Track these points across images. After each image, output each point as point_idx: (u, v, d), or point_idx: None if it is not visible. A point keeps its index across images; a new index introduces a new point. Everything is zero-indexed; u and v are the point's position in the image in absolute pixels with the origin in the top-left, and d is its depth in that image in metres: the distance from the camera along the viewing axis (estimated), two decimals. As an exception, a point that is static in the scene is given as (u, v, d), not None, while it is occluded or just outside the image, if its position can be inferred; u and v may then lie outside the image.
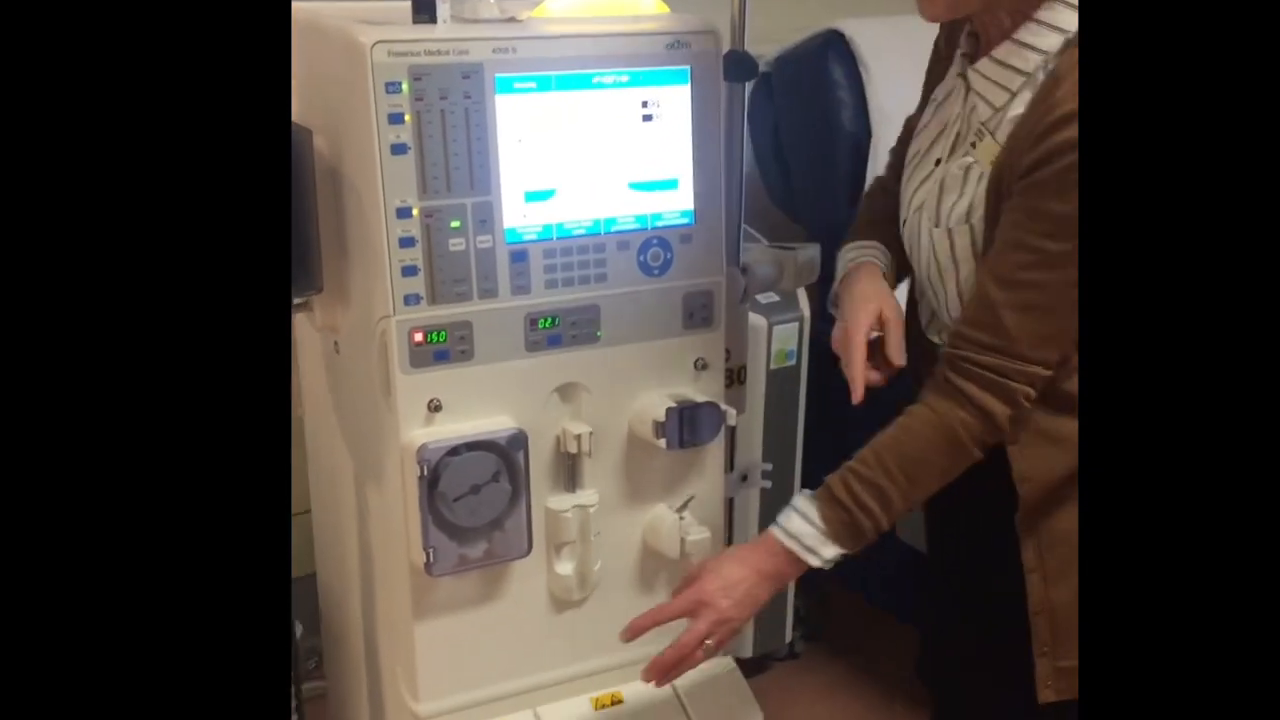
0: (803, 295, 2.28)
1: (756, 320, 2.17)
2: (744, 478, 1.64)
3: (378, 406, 1.33)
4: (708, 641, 1.25)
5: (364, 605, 1.51)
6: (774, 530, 1.24)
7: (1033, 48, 1.15)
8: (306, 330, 1.51)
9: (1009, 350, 1.16)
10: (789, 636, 2.51)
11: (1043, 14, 1.15)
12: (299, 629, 2.05)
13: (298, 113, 1.40)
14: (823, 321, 2.13)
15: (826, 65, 2.49)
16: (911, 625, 2.27)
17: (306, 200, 1.28)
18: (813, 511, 1.22)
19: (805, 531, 1.23)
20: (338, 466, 1.51)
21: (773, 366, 2.29)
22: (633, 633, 1.26)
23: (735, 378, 1.58)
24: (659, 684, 1.27)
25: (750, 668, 2.47)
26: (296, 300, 1.38)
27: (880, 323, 1.28)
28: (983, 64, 1.19)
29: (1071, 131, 1.08)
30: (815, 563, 1.22)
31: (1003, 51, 1.17)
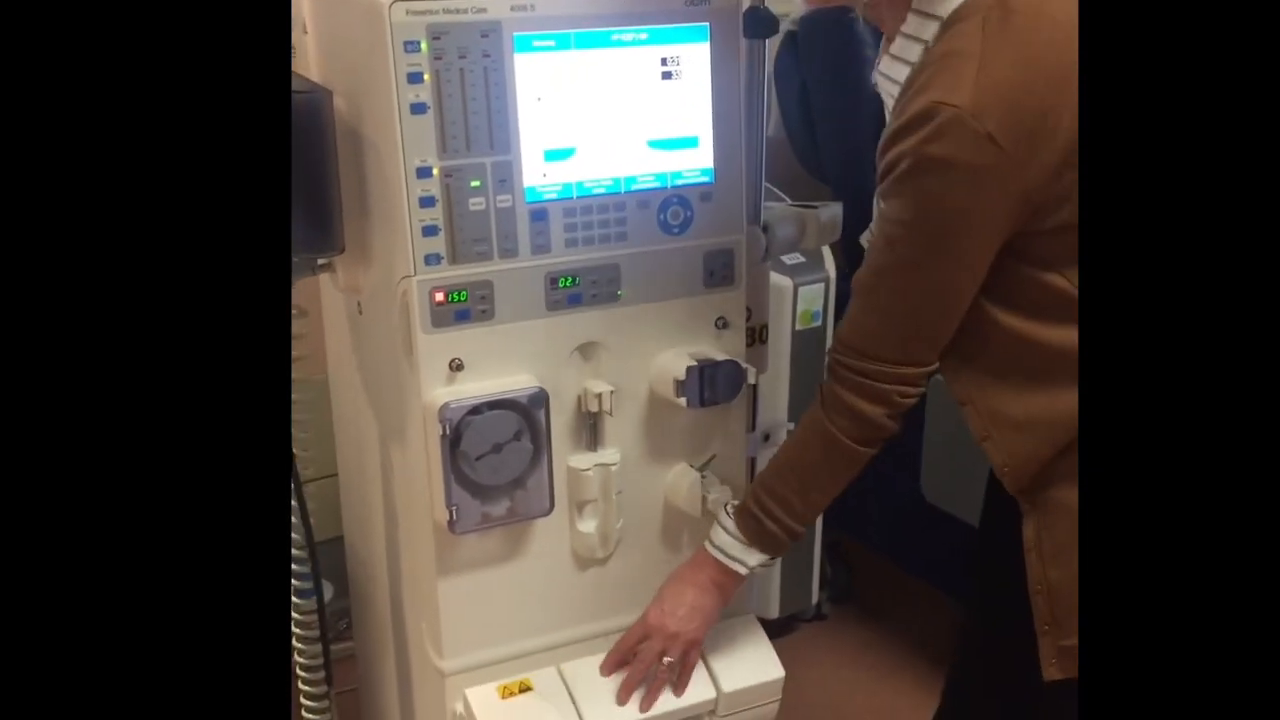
0: (828, 255, 2.27)
1: (781, 280, 2.18)
2: (766, 437, 1.64)
3: (400, 367, 1.34)
4: (667, 659, 1.38)
5: (389, 565, 1.53)
6: (704, 544, 1.36)
7: (917, 39, 1.13)
8: (330, 292, 1.52)
9: (872, 353, 1.21)
10: (815, 598, 2.52)
11: (921, 2, 1.13)
12: (330, 591, 2.08)
13: (318, 74, 1.40)
14: (846, 282, 2.13)
15: (853, 23, 2.47)
16: (952, 597, 2.28)
17: (327, 161, 1.29)
18: (730, 523, 1.34)
19: (728, 542, 1.34)
20: (362, 428, 1.52)
21: (798, 327, 2.30)
22: (609, 669, 1.42)
23: (757, 336, 1.58)
24: (641, 706, 1.41)
25: (777, 628, 2.49)
26: (319, 261, 1.39)
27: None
28: (884, 62, 1.18)
29: (910, 141, 1.09)
30: (742, 570, 1.33)
31: (896, 46, 1.16)
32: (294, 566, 1.51)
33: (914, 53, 1.15)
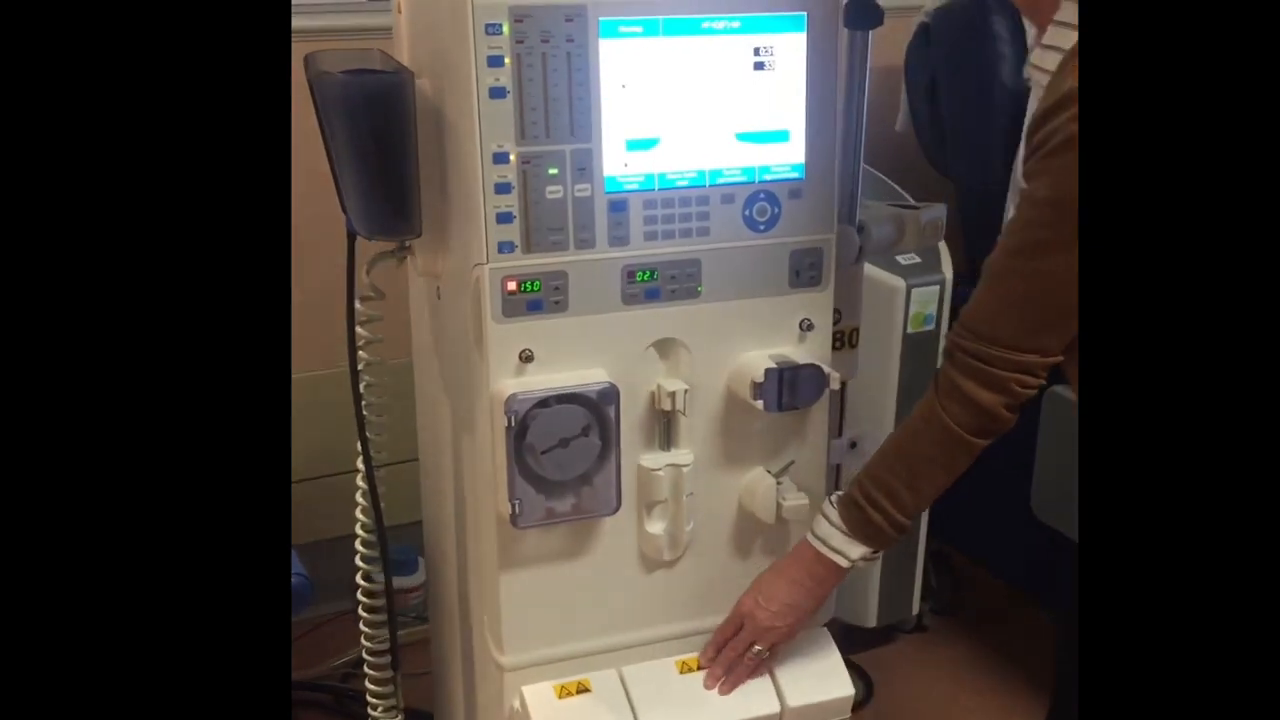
0: (945, 256, 2.19)
1: (894, 281, 2.10)
2: (853, 444, 1.58)
3: (472, 355, 1.32)
4: (756, 647, 1.34)
5: (458, 555, 1.51)
6: (806, 535, 1.31)
7: (1072, 25, 1.07)
8: (415, 275, 1.51)
9: (995, 337, 1.15)
10: (916, 608, 2.44)
11: None
12: (421, 570, 2.08)
13: (408, 55, 1.39)
14: (964, 285, 2.05)
15: (988, 16, 2.38)
16: (1058, 615, 2.19)
17: (406, 144, 1.27)
18: (834, 514, 1.29)
19: (829, 532, 1.29)
20: (439, 414, 1.51)
21: (910, 330, 2.22)
22: (706, 659, 1.40)
23: (846, 340, 1.52)
24: (721, 690, 1.39)
25: (874, 638, 2.42)
26: (400, 245, 1.37)
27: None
28: (1036, 53, 1.13)
29: (1061, 119, 1.03)
30: (844, 563, 1.28)
31: (1050, 35, 1.11)
32: (363, 550, 1.51)
33: (1069, 40, 1.10)
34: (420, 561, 2.12)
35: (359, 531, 1.50)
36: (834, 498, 1.30)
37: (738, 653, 1.37)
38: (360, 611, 1.54)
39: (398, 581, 1.93)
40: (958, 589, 2.58)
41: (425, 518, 1.70)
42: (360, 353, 1.42)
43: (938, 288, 2.19)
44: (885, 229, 1.52)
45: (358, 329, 1.41)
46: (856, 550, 1.28)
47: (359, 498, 1.49)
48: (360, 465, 1.45)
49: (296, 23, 1.68)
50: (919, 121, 2.56)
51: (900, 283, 2.12)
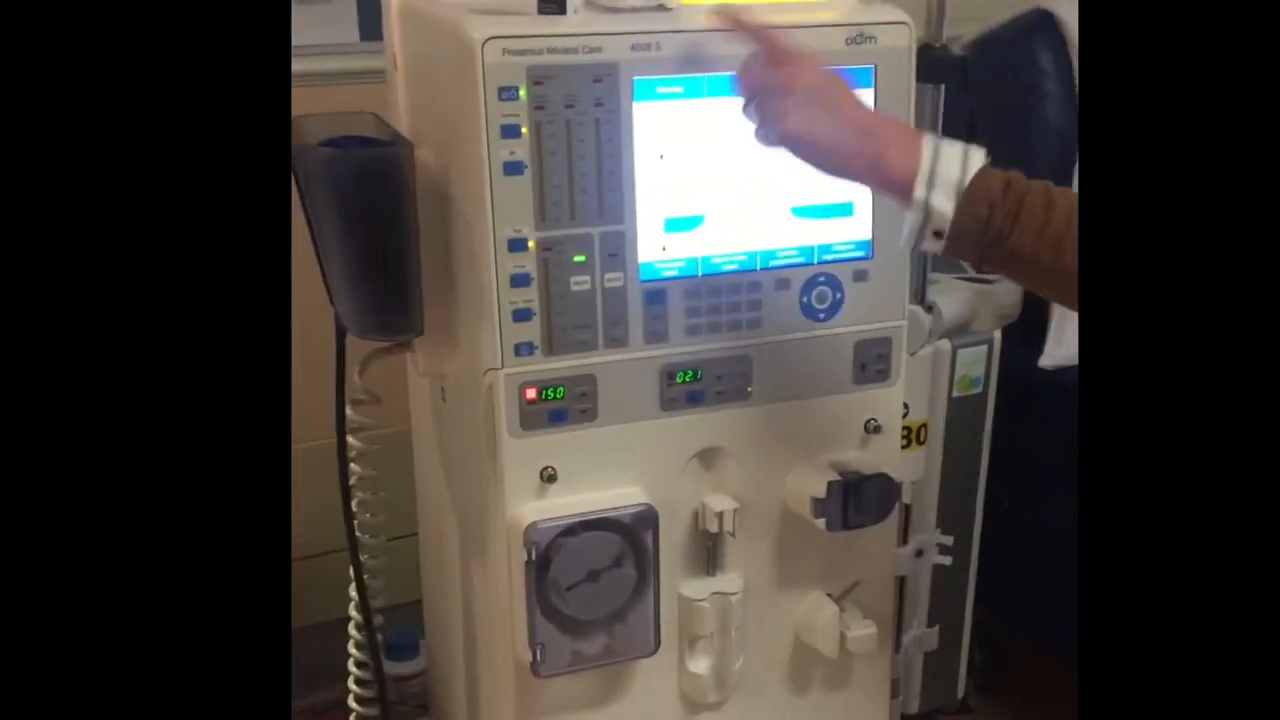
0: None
1: (939, 342, 1.91)
2: (919, 553, 1.38)
3: (484, 471, 1.12)
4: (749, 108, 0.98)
5: (468, 698, 1.31)
6: (925, 132, 0.98)
7: None
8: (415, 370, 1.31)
9: None
10: (961, 691, 2.25)
11: None
12: (423, 655, 1.87)
13: (406, 119, 1.20)
14: (1012, 342, 1.85)
15: (1032, 50, 2.18)
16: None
17: (404, 227, 1.08)
18: (977, 160, 0.95)
19: (950, 159, 0.94)
20: (444, 530, 1.31)
21: (955, 394, 2.02)
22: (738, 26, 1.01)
23: (914, 437, 1.32)
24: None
25: (915, 723, 2.22)
26: (392, 342, 1.17)
27: None
28: None
29: None
30: (920, 193, 0.93)
31: None
32: (354, 635, 1.30)
33: None
34: (422, 645, 1.94)
35: (352, 613, 1.29)
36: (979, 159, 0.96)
37: (752, 76, 0.99)
38: (350, 702, 1.33)
39: (396, 668, 1.74)
40: (1004, 665, 2.38)
41: (426, 599, 1.50)
42: (350, 439, 1.22)
43: (985, 348, 1.99)
44: (959, 308, 1.33)
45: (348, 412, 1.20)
46: (941, 200, 0.93)
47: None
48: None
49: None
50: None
51: (946, 344, 1.93)
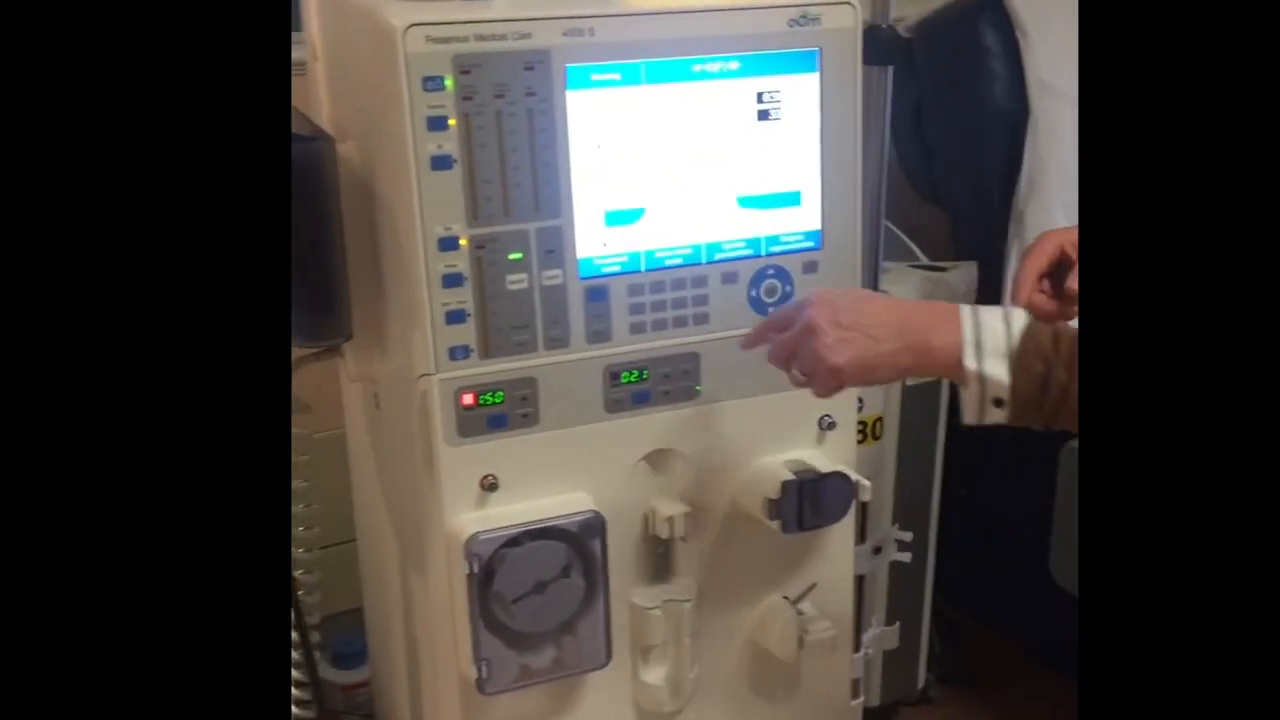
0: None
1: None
2: (878, 550, 1.35)
3: (421, 481, 1.06)
4: (795, 371, 0.98)
5: (412, 711, 1.26)
6: (958, 305, 0.94)
7: None
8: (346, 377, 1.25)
9: None
10: (921, 682, 2.22)
11: None
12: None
13: (328, 113, 1.14)
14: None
15: (978, 30, 2.15)
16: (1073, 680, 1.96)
17: (327, 224, 1.02)
18: (1020, 320, 0.90)
19: (993, 326, 0.90)
20: (383, 542, 1.25)
21: (909, 384, 1.99)
22: (748, 346, 1.05)
23: (869, 432, 1.28)
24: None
25: (875, 716, 2.19)
26: (319, 348, 1.12)
27: (1063, 254, 1.01)
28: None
29: None
30: (970, 364, 0.89)
31: None
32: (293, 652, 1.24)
33: None
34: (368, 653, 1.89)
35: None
36: (1022, 319, 0.91)
37: (780, 353, 0.99)
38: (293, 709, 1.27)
39: (342, 676, 1.69)
40: (964, 654, 2.36)
41: (366, 608, 1.45)
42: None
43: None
44: (911, 296, 1.28)
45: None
46: (995, 368, 0.88)
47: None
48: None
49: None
50: (902, 149, 2.34)
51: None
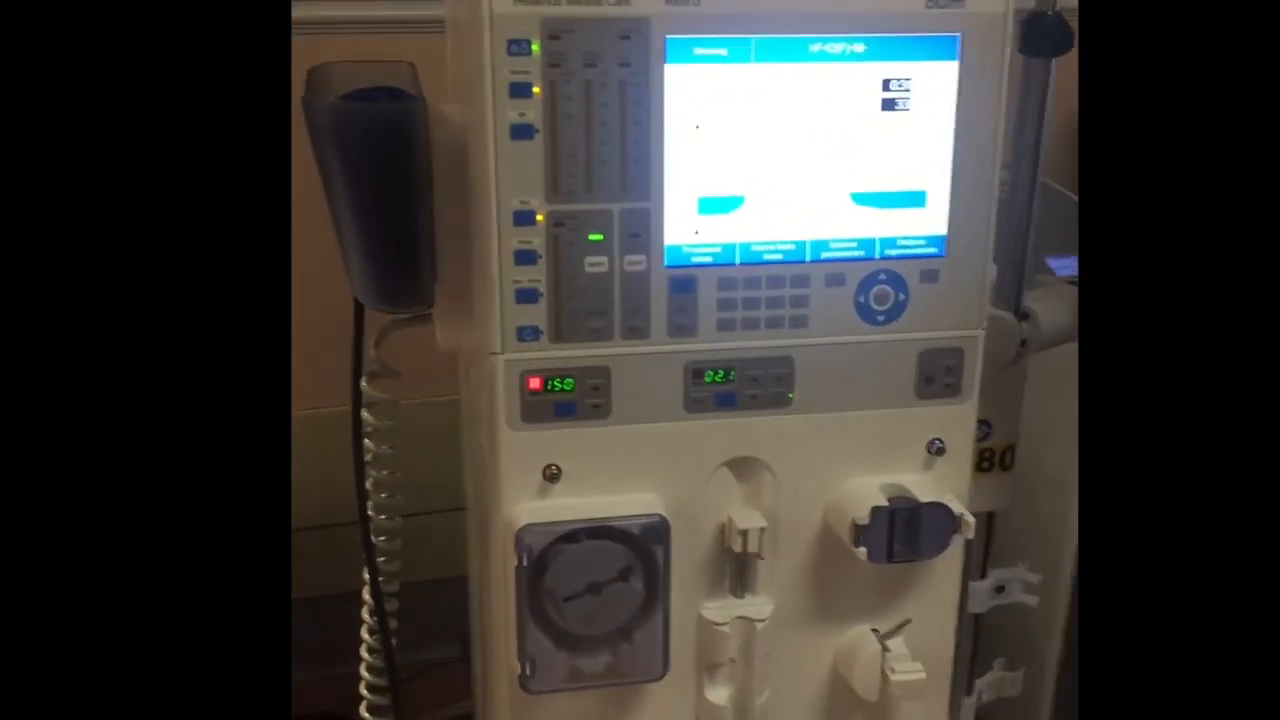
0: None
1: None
2: (1000, 589, 1.23)
3: (487, 463, 1.02)
4: None
5: (481, 695, 1.22)
6: None
7: None
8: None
9: None
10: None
11: None
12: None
13: (451, 75, 1.10)
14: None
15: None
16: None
17: (413, 188, 0.98)
18: None
19: None
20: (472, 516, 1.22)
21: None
22: None
23: (997, 461, 1.17)
24: None
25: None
26: (406, 314, 1.09)
27: None
28: None
29: None
30: None
31: None
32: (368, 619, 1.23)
33: None
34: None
35: (365, 598, 1.22)
36: None
37: None
38: (362, 671, 1.26)
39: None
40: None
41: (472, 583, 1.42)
42: (366, 415, 1.14)
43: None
44: (1060, 315, 1.16)
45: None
46: None
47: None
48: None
49: (300, 12, 1.31)
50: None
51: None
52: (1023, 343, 1.13)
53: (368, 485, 1.17)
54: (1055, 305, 1.15)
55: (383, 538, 1.19)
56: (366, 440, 1.15)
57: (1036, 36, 1.04)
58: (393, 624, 1.24)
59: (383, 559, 1.19)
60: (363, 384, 1.12)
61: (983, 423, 1.13)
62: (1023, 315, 1.13)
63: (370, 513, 1.17)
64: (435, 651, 1.88)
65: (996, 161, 1.00)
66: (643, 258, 0.96)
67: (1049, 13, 1.04)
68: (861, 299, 1.01)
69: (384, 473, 1.17)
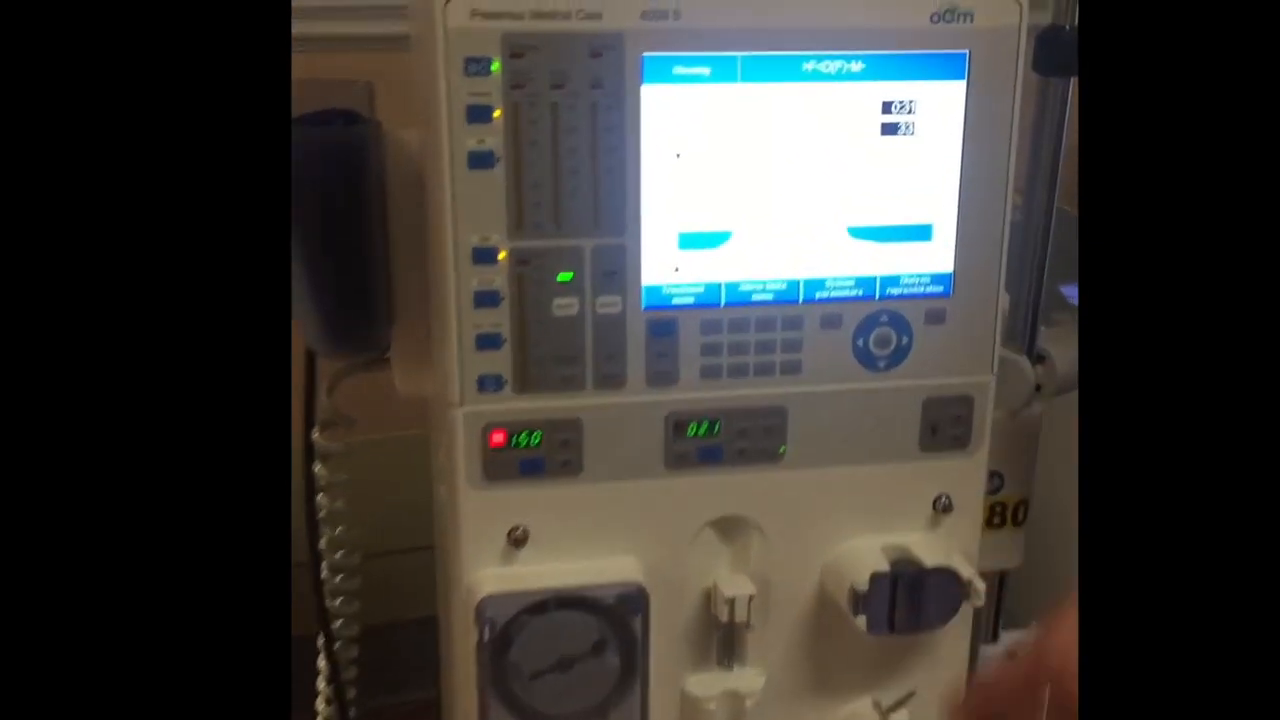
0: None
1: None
2: (1012, 655, 1.13)
3: (448, 522, 0.93)
4: None
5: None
6: None
7: None
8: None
9: None
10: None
11: None
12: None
13: (399, 106, 1.01)
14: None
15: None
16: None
17: (364, 220, 0.89)
18: None
19: None
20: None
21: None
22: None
23: (1009, 516, 1.07)
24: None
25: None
26: (359, 359, 0.99)
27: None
28: None
29: None
30: None
31: None
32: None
33: None
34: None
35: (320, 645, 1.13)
36: None
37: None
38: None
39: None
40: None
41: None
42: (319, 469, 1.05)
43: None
44: (1076, 356, 1.06)
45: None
46: None
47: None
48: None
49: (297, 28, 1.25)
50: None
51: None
52: (1037, 387, 1.03)
53: (322, 524, 1.07)
54: (1073, 346, 1.05)
55: (340, 577, 1.10)
56: (321, 495, 1.05)
57: (1053, 53, 0.95)
58: (352, 672, 1.15)
59: (340, 600, 1.10)
60: (314, 435, 1.02)
61: (994, 475, 1.04)
62: (1038, 357, 1.04)
63: (325, 552, 1.07)
64: (410, 693, 1.80)
65: (1009, 192, 0.91)
66: (618, 299, 0.86)
67: (1067, 27, 0.95)
68: (860, 343, 0.91)
69: (339, 503, 1.07)
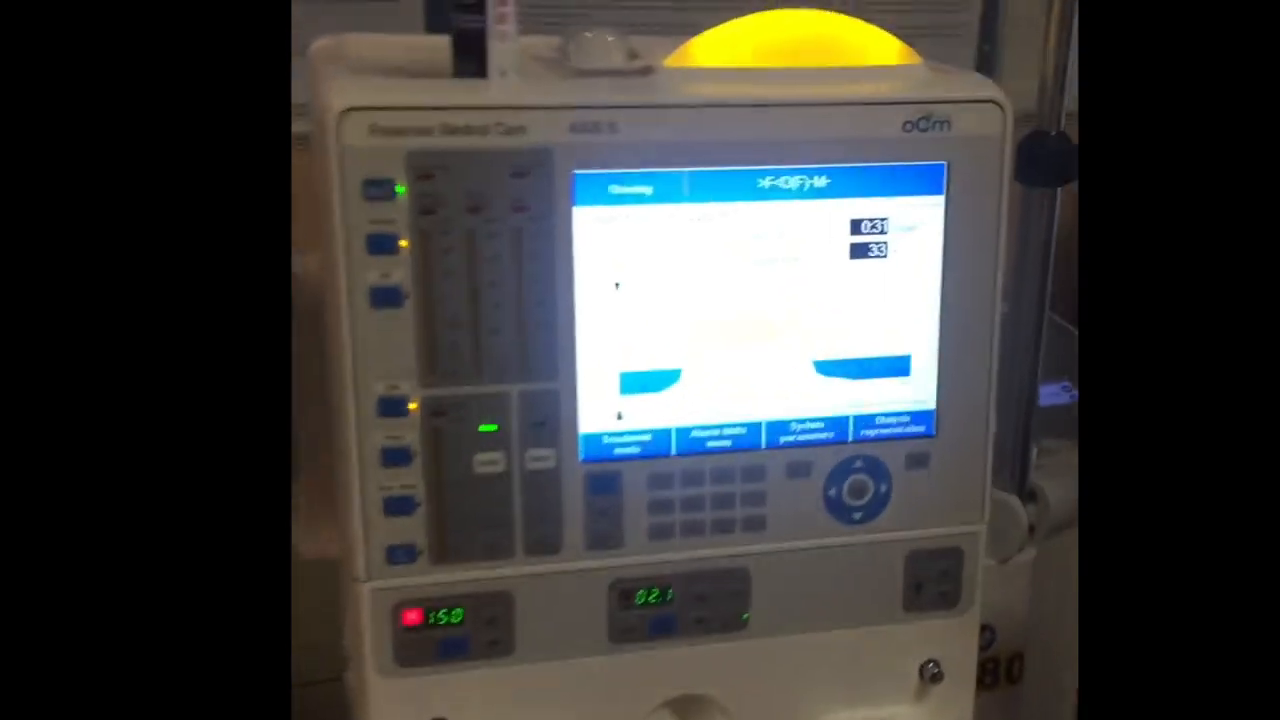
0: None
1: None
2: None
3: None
4: None
5: None
6: None
7: None
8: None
9: None
10: None
11: None
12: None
13: (300, 218, 0.89)
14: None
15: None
16: None
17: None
18: None
19: None
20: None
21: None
22: None
23: (1003, 673, 0.95)
24: None
25: None
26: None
27: None
28: None
29: None
30: None
31: None
32: None
33: None
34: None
35: None
36: None
37: None
38: None
39: None
40: None
41: None
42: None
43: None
44: (1072, 492, 0.95)
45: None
46: None
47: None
48: None
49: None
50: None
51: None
52: (1030, 529, 0.92)
53: None
54: (1066, 481, 0.94)
55: None
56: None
57: (1038, 162, 0.85)
58: None
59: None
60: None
61: (984, 629, 0.92)
62: (1029, 495, 0.93)
63: None
64: None
65: (996, 317, 0.80)
66: (550, 452, 0.74)
67: (1052, 132, 0.85)
68: (832, 493, 0.80)
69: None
